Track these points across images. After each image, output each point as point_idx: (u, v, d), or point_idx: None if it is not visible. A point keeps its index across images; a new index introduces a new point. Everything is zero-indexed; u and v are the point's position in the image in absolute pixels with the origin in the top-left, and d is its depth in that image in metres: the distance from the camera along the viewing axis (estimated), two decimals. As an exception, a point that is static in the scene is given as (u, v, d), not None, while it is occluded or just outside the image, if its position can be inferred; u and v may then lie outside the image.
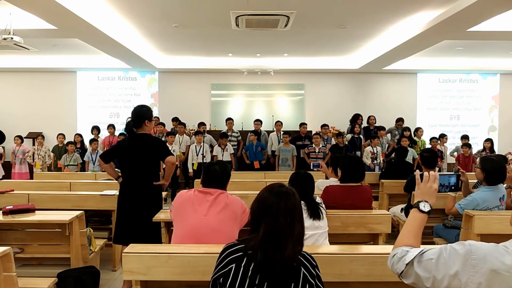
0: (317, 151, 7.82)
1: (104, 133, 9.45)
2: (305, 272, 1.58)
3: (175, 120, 9.31)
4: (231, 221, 2.51)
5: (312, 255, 1.67)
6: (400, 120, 9.28)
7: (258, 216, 1.65)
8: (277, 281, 1.54)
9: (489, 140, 8.59)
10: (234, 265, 1.56)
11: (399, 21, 6.65)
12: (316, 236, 2.68)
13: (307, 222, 2.57)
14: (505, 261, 1.21)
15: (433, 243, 4.02)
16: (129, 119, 3.80)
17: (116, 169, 4.06)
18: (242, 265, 1.55)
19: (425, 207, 1.54)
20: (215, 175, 2.65)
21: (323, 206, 2.87)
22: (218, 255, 1.65)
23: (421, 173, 1.65)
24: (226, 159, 8.01)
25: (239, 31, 6.72)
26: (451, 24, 6.02)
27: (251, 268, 1.54)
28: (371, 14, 6.24)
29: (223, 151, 8.03)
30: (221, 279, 1.56)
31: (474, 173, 4.58)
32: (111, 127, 8.92)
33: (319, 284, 1.61)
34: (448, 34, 6.68)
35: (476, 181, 4.37)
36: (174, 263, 2.10)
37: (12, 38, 5.62)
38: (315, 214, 2.71)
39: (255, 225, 1.65)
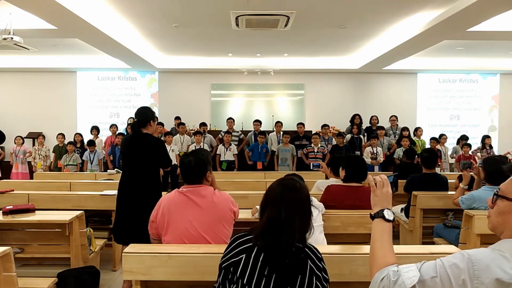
0: (316, 151, 7.83)
1: (105, 133, 9.47)
2: (312, 265, 1.63)
3: (177, 118, 9.31)
4: (221, 222, 2.38)
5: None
6: (393, 116, 9.29)
7: (264, 205, 1.73)
8: (285, 274, 1.59)
9: (489, 137, 8.67)
10: (244, 255, 1.62)
11: (399, 21, 6.65)
12: None
13: None
14: (506, 269, 1.18)
15: (433, 243, 4.03)
16: (130, 120, 3.82)
17: (116, 169, 4.06)
18: (252, 255, 1.61)
19: (389, 215, 1.46)
20: (189, 168, 2.44)
21: (316, 203, 2.96)
22: (228, 244, 1.71)
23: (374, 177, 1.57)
24: (228, 159, 8.03)
25: (239, 31, 6.73)
26: (451, 24, 6.02)
27: (260, 259, 1.60)
28: (371, 14, 6.24)
29: (226, 150, 8.03)
30: (232, 268, 1.62)
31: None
32: (114, 126, 8.94)
33: (325, 275, 1.67)
34: (448, 34, 6.68)
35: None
36: (174, 263, 2.10)
37: (12, 38, 5.62)
38: None
39: (261, 213, 1.73)
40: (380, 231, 1.45)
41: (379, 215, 1.47)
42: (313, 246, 1.71)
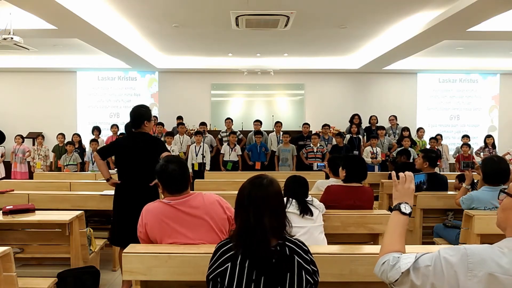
0: (315, 151, 7.84)
1: (105, 133, 9.47)
2: (299, 260, 1.60)
3: (179, 118, 9.31)
4: (218, 229, 2.26)
5: (313, 255, 1.68)
6: (392, 116, 9.29)
7: (236, 207, 1.70)
8: (273, 274, 1.56)
9: (490, 137, 8.68)
10: (229, 264, 1.59)
11: (399, 21, 6.65)
12: (307, 228, 2.79)
13: (297, 217, 2.77)
14: (502, 264, 1.20)
15: (433, 243, 4.03)
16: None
17: (116, 169, 4.02)
18: (238, 262, 1.58)
19: (406, 208, 1.52)
20: (175, 178, 2.25)
21: (317, 203, 2.97)
22: (212, 254, 1.67)
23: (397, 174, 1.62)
24: (233, 159, 8.05)
25: (239, 31, 6.72)
26: (451, 24, 6.02)
27: (246, 265, 1.57)
28: (371, 14, 6.24)
29: (231, 151, 8.05)
30: (219, 278, 1.59)
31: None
32: (115, 126, 8.96)
33: (314, 267, 1.64)
34: (448, 34, 6.68)
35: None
36: (174, 263, 2.10)
37: (12, 38, 5.62)
38: (305, 210, 2.83)
39: (235, 218, 1.71)
40: (395, 223, 1.52)
41: (396, 208, 1.54)
42: (297, 239, 1.68)
